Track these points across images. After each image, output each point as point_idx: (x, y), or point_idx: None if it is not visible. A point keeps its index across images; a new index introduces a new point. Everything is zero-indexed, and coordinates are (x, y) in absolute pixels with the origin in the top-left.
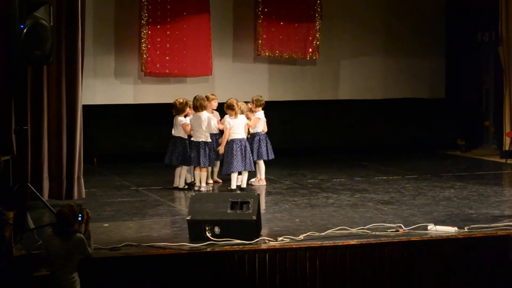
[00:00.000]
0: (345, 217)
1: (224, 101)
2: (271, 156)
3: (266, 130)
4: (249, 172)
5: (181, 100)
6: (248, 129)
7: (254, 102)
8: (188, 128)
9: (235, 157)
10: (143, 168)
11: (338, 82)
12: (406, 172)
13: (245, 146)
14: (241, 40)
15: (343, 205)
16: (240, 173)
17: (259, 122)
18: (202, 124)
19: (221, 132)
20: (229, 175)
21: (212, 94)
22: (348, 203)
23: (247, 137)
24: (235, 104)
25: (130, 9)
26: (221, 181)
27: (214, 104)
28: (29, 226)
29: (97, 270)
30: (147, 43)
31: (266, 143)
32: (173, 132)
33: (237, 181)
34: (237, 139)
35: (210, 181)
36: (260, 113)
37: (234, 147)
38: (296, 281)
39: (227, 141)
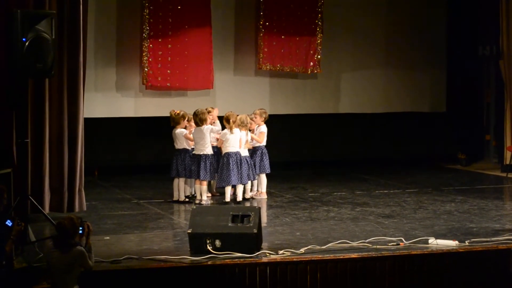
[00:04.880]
0: (346, 231)
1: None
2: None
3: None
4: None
5: (178, 112)
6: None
7: (263, 115)
8: (191, 137)
9: (231, 171)
10: (144, 181)
11: (339, 95)
12: (407, 185)
13: (240, 160)
14: (242, 53)
15: (344, 219)
16: (234, 186)
17: (264, 136)
18: (205, 137)
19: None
20: (224, 188)
21: (211, 107)
22: (349, 216)
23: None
24: (231, 119)
25: (131, 23)
26: (218, 194)
27: (211, 117)
28: (30, 239)
29: (98, 283)
30: (148, 56)
31: (268, 157)
32: (175, 145)
33: (236, 194)
34: (232, 153)
35: (208, 194)
36: (264, 127)
37: (230, 161)
38: None
39: (222, 154)
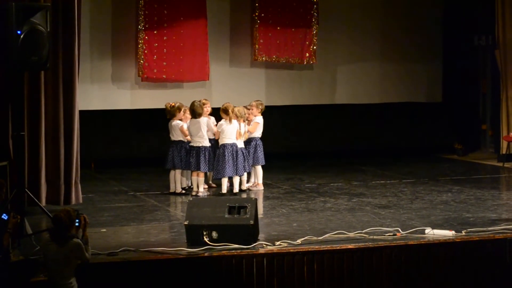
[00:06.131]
0: (342, 222)
1: (221, 106)
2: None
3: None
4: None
5: (172, 104)
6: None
7: (260, 107)
8: (187, 132)
9: (227, 162)
10: (140, 173)
11: (335, 86)
12: (403, 176)
13: (236, 151)
14: (238, 45)
15: (340, 210)
16: (230, 178)
17: (258, 127)
18: (202, 128)
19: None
20: (221, 180)
21: (204, 99)
22: (345, 207)
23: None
24: (229, 110)
25: (127, 15)
26: (215, 185)
27: (206, 109)
28: (26, 232)
29: (95, 275)
30: (144, 48)
31: (262, 149)
32: (171, 137)
33: (233, 185)
34: (228, 144)
35: (205, 186)
36: (259, 118)
37: (226, 152)
38: (294, 286)
39: (218, 146)
